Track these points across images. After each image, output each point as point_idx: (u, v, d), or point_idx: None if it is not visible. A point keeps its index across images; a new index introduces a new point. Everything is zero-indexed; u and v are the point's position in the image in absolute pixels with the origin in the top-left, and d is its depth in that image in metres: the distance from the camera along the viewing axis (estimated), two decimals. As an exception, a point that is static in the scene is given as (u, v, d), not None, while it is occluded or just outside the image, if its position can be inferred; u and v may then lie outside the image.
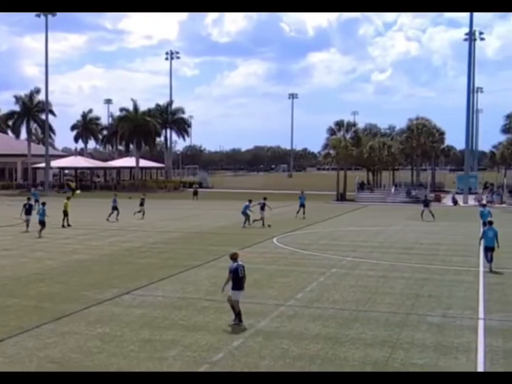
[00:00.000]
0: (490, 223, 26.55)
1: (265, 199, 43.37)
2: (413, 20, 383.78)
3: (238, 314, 16.39)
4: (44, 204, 37.17)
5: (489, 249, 25.20)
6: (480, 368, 13.09)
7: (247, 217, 41.30)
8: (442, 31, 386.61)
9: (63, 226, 39.41)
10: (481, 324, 16.67)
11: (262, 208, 42.41)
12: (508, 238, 35.74)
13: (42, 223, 35.44)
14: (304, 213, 47.27)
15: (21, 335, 15.39)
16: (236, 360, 13.55)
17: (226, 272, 16.63)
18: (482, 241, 25.93)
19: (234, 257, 16.82)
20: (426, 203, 48.94)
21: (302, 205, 47.64)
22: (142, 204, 47.16)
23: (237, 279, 16.45)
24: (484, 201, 63.18)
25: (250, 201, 42.06)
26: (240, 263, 16.68)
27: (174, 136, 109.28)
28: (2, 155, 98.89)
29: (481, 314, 17.68)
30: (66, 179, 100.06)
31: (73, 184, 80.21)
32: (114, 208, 45.21)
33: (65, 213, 40.21)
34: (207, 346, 14.46)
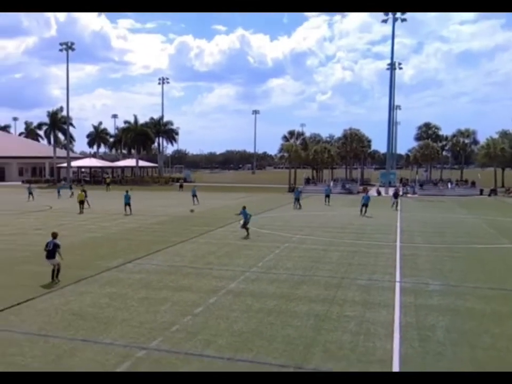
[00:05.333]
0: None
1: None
2: (347, 54, 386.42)
3: (54, 272, 16.83)
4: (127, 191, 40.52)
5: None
6: (397, 318, 13.29)
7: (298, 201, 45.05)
8: (370, 63, 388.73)
9: (80, 212, 38.77)
10: (397, 285, 16.91)
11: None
12: (419, 220, 36.32)
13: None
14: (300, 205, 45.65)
15: (48, 294, 15.31)
16: (212, 312, 13.61)
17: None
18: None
19: (53, 235, 16.98)
20: (396, 195, 47.80)
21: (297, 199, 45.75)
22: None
23: (46, 251, 16.70)
24: (382, 193, 63.77)
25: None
26: (54, 240, 16.77)
27: (165, 143, 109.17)
28: (34, 157, 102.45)
29: (397, 278, 17.92)
30: (83, 175, 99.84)
31: (108, 179, 78.52)
32: (194, 196, 48.09)
33: (81, 202, 39.84)
34: (190, 302, 14.50)
